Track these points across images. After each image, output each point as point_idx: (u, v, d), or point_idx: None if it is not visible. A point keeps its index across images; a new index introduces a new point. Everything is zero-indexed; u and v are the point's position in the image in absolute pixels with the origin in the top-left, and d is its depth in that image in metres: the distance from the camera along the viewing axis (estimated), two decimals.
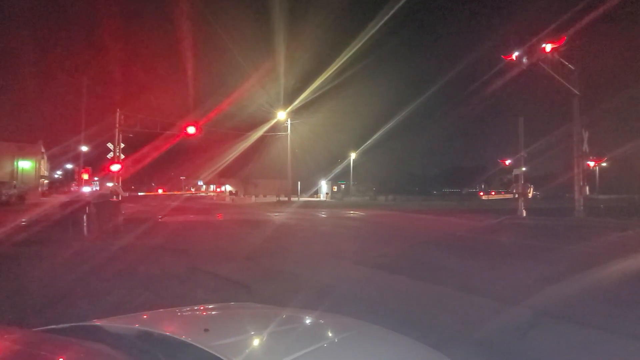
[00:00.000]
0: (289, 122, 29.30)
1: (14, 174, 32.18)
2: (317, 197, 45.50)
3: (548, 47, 14.26)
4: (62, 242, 7.96)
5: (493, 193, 48.03)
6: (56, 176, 49.66)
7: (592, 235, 11.03)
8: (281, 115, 28.30)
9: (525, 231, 12.32)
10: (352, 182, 47.15)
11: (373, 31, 25.64)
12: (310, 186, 45.95)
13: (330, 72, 28.96)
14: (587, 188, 16.12)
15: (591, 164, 16.77)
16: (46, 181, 41.44)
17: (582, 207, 15.53)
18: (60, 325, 1.30)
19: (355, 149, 44.98)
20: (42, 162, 36.80)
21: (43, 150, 36.77)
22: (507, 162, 18.52)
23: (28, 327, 1.41)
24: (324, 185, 47.96)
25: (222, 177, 54.91)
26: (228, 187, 53.94)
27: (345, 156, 46.11)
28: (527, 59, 14.95)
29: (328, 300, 4.30)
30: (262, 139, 30.90)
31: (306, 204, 29.45)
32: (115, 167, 17.22)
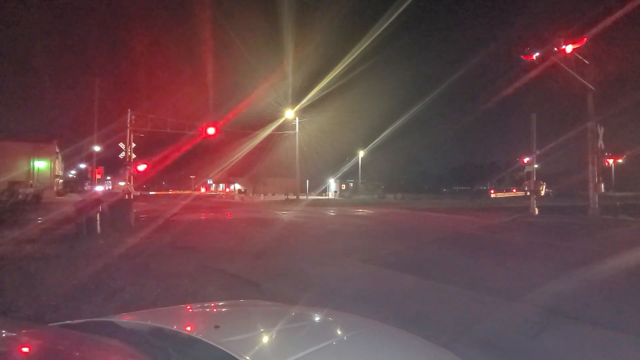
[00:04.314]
0: (297, 120, 29.36)
1: (30, 174, 33.06)
2: (325, 196, 45.48)
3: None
4: (76, 240, 8.15)
5: (504, 191, 47.26)
6: (70, 175, 50.85)
7: (607, 234, 10.76)
8: (289, 113, 28.38)
9: (537, 229, 12.09)
10: (360, 181, 46.99)
11: (382, 29, 25.48)
12: (318, 184, 45.97)
13: (338, 70, 28.92)
14: (603, 185, 15.72)
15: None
16: (61, 180, 42.47)
17: (597, 205, 15.16)
18: (76, 321, 1.33)
19: (363, 147, 44.84)
20: (56, 161, 37.70)
21: (57, 150, 37.65)
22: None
23: (44, 323, 1.44)
24: (332, 184, 47.92)
25: (231, 176, 55.37)
26: (237, 186, 54.36)
27: (353, 154, 46.01)
28: (541, 55, 14.64)
29: (337, 299, 4.30)
30: (270, 137, 31.07)
31: (314, 202, 29.48)
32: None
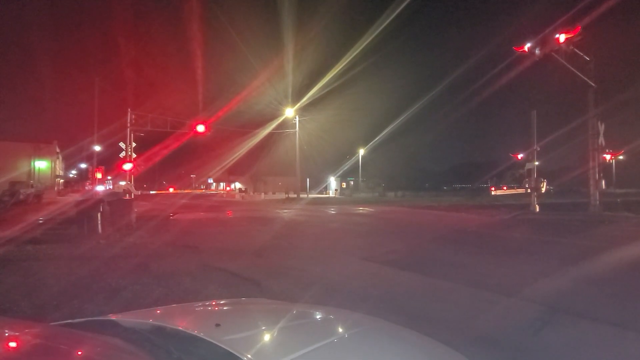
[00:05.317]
0: (297, 119, 29.34)
1: (31, 174, 33.09)
2: (326, 194, 45.51)
3: (562, 38, 13.86)
4: (77, 239, 8.16)
5: (505, 188, 47.24)
6: (71, 175, 50.92)
7: (608, 230, 10.76)
8: (289, 112, 28.36)
9: (538, 227, 12.08)
10: (361, 179, 46.99)
11: (382, 27, 25.42)
12: (319, 183, 46.00)
13: (339, 69, 28.88)
14: (604, 182, 15.70)
15: (607, 157, 16.29)
16: (61, 180, 42.51)
17: (597, 202, 15.15)
18: (77, 320, 1.33)
19: (364, 145, 44.85)
20: (57, 161, 37.74)
21: (58, 150, 37.68)
22: (520, 156, 18.03)
23: (46, 322, 1.45)
24: (332, 182, 47.93)
25: (231, 174, 55.42)
26: (237, 185, 54.38)
27: (354, 153, 46.02)
28: (540, 50, 14.59)
29: (338, 296, 4.31)
30: (270, 136, 31.08)
31: (315, 201, 29.47)
32: (127, 166, 17.60)
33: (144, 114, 19.43)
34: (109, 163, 25.85)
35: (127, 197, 14.76)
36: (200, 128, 19.18)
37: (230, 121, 26.01)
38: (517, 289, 4.52)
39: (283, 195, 36.48)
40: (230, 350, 0.94)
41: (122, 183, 19.33)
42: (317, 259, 6.64)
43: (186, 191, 61.38)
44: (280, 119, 28.31)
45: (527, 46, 14.67)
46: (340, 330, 1.41)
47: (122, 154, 18.19)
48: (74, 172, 51.65)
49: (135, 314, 1.61)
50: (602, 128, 15.48)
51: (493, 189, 46.72)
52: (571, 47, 14.33)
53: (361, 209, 20.32)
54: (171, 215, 15.12)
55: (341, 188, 47.63)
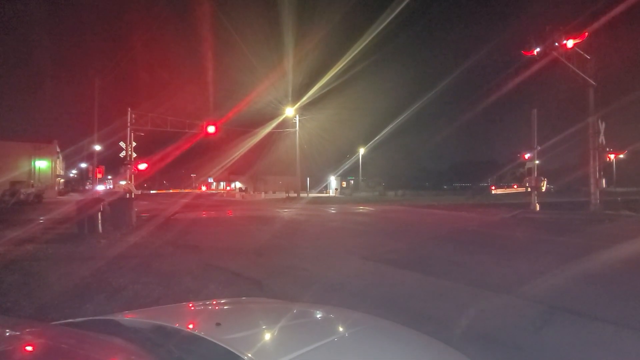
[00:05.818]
0: (297, 118, 29.34)
1: (31, 174, 33.11)
2: (326, 193, 45.52)
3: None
4: (78, 239, 8.17)
5: (505, 187, 47.24)
6: (71, 175, 50.99)
7: (609, 229, 10.75)
8: (290, 111, 28.37)
9: (538, 225, 12.08)
10: (361, 178, 46.98)
11: (382, 26, 25.40)
12: (319, 182, 46.03)
13: (339, 68, 28.87)
14: (604, 181, 15.70)
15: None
16: (62, 180, 42.55)
17: (598, 200, 15.14)
18: (78, 319, 1.34)
19: (364, 144, 44.87)
20: (57, 161, 37.74)
21: (58, 150, 37.67)
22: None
23: (47, 321, 1.45)
24: (333, 181, 47.92)
25: (231, 174, 55.38)
26: (238, 184, 54.36)
27: (354, 152, 46.02)
28: (542, 50, 14.59)
29: (338, 295, 4.32)
30: (271, 135, 31.05)
31: (315, 200, 29.48)
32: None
33: (144, 113, 19.43)
34: (110, 163, 25.89)
35: (128, 196, 14.76)
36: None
37: (231, 121, 26.01)
38: (517, 288, 4.52)
39: (283, 195, 36.50)
40: (231, 350, 0.94)
41: (123, 182, 19.32)
42: (317, 258, 6.65)
43: (187, 190, 61.39)
44: (281, 118, 28.34)
45: (529, 46, 14.68)
46: (341, 329, 1.41)
47: (122, 154, 18.19)
48: (74, 171, 51.75)
49: (135, 313, 1.61)
50: (602, 127, 15.47)
51: (493, 187, 46.73)
52: (573, 47, 14.33)
53: (361, 208, 20.32)
54: (171, 215, 15.13)
55: (341, 187, 47.62)
